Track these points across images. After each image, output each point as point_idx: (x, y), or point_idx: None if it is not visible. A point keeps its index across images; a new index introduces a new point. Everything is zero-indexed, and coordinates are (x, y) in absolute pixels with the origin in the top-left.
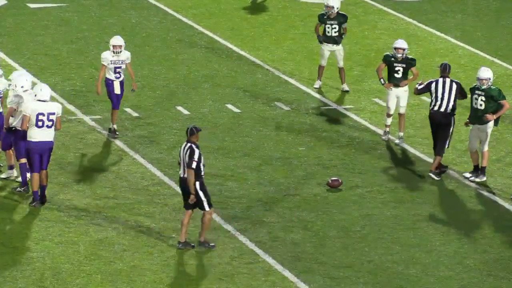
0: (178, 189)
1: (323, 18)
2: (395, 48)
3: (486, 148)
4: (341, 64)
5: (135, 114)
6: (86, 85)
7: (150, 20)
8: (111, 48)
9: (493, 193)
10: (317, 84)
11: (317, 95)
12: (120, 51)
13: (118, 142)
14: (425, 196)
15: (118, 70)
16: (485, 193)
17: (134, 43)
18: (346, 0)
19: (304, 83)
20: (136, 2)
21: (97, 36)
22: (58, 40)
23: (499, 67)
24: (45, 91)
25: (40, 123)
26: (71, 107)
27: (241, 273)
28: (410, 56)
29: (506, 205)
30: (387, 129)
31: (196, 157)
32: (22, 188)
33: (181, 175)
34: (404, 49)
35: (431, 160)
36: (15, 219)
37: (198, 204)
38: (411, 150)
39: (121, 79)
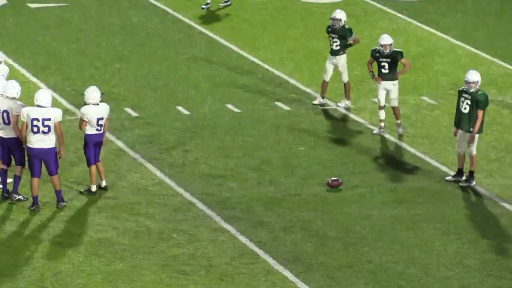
0: (178, 189)
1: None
2: (381, 45)
3: (474, 152)
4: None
5: (135, 114)
6: (86, 85)
7: (150, 19)
8: None
9: (493, 193)
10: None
11: (317, 95)
12: None
13: (118, 142)
14: (425, 196)
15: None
16: (485, 193)
17: (134, 43)
18: (346, 0)
19: (304, 82)
20: (136, 1)
21: (97, 36)
22: (59, 40)
23: (499, 67)
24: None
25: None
26: (71, 107)
27: (241, 273)
28: (396, 49)
29: (506, 205)
30: (382, 124)
31: None
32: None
33: None
34: (390, 45)
35: (431, 160)
36: (15, 219)
37: None
38: (411, 150)
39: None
